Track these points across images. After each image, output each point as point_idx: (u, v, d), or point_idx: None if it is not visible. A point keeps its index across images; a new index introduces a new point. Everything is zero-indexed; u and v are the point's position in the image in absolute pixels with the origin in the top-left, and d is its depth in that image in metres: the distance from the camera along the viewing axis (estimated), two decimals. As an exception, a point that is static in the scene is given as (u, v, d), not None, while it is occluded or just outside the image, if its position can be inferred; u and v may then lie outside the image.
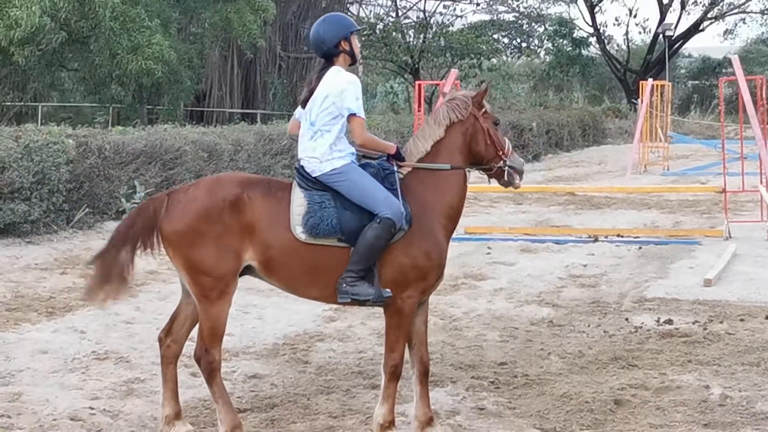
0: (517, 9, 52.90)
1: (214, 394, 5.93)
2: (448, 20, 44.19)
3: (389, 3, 44.27)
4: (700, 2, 52.40)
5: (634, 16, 59.28)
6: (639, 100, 30.60)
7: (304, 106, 6.15)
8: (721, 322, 9.22)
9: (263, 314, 9.50)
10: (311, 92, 6.10)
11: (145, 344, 8.16)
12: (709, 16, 52.53)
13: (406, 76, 43.50)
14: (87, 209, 13.95)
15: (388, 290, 5.88)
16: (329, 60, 6.14)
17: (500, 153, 6.31)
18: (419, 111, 17.69)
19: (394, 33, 41.38)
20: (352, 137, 6.09)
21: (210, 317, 5.86)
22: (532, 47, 55.75)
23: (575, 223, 16.44)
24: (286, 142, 18.45)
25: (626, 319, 9.41)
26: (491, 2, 50.13)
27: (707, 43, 57.20)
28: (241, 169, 16.80)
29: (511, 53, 56.99)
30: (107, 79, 24.54)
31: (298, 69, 38.26)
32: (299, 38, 38.46)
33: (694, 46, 59.42)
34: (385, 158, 6.13)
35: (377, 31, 40.73)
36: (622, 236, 14.65)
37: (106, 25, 22.49)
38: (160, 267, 11.47)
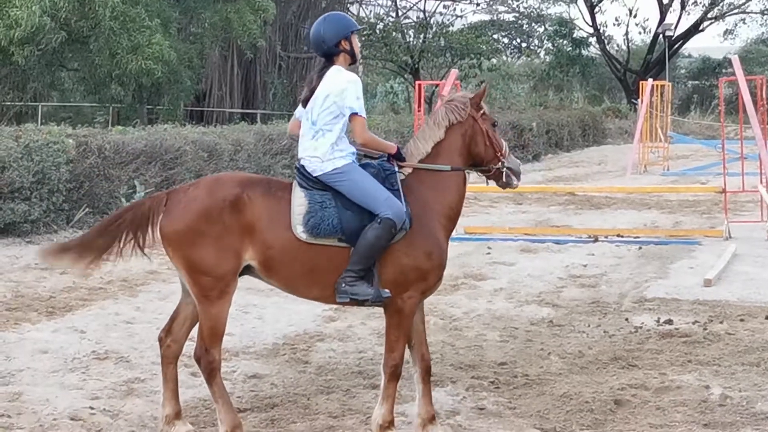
0: (517, 9, 52.94)
1: (214, 393, 5.93)
2: (448, 20, 44.21)
3: (389, 3, 44.32)
4: (700, 2, 52.46)
5: (634, 16, 59.29)
6: (639, 100, 30.60)
7: (304, 106, 6.15)
8: (721, 322, 9.22)
9: (263, 314, 9.50)
10: (312, 92, 6.10)
11: (146, 344, 8.16)
12: (709, 16, 52.56)
13: (406, 76, 43.50)
14: (87, 209, 13.96)
15: (387, 290, 5.88)
16: (329, 59, 6.14)
17: (498, 154, 6.33)
18: (419, 111, 17.69)
19: (394, 33, 41.37)
20: (354, 136, 6.09)
21: (210, 317, 5.86)
22: (532, 47, 55.77)
23: (575, 223, 16.44)
24: (286, 142, 18.45)
25: (626, 319, 9.41)
26: (491, 2, 50.16)
27: (707, 43, 57.24)
28: (241, 169, 16.80)
29: (511, 53, 57.01)
30: (107, 79, 24.54)
31: (298, 69, 38.26)
32: (299, 38, 38.46)
33: (694, 46, 59.53)
34: (385, 158, 6.14)
35: (377, 31, 40.73)
36: (622, 236, 14.65)
37: (106, 25, 22.49)
38: (160, 267, 11.48)
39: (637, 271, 12.06)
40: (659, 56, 50.34)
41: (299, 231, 5.85)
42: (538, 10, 53.29)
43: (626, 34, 61.04)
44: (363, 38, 37.86)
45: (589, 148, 35.49)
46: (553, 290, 10.90)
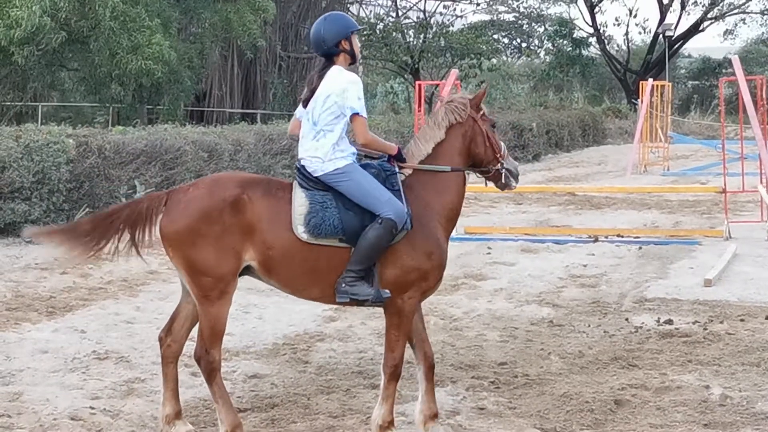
0: (517, 9, 52.95)
1: (215, 393, 5.93)
2: (448, 20, 44.24)
3: (389, 3, 44.32)
4: (700, 2, 52.48)
5: (634, 17, 59.39)
6: (639, 100, 30.60)
7: (305, 106, 6.15)
8: (721, 322, 9.22)
9: (263, 314, 9.50)
10: (313, 92, 6.10)
11: (146, 344, 8.16)
12: (709, 16, 52.58)
13: (406, 76, 43.50)
14: (87, 209, 13.95)
15: (387, 291, 5.88)
16: (329, 59, 6.14)
17: (498, 155, 6.35)
18: (419, 111, 17.68)
19: (394, 33, 41.38)
20: (355, 137, 6.08)
21: (210, 317, 5.86)
22: (532, 47, 55.75)
23: (575, 223, 16.44)
24: (286, 142, 18.45)
25: (626, 319, 9.41)
26: (491, 2, 50.17)
27: (707, 44, 57.25)
28: (241, 169, 16.79)
29: (511, 53, 57.01)
30: (107, 79, 24.52)
31: (298, 69, 38.26)
32: (299, 38, 38.46)
33: (694, 47, 59.54)
34: (385, 159, 6.14)
35: (377, 31, 40.74)
36: (622, 236, 14.65)
37: (106, 25, 22.48)
38: (160, 267, 11.49)
39: (637, 271, 12.06)
40: (659, 56, 50.34)
41: (300, 231, 5.85)
42: (538, 10, 53.32)
43: (626, 34, 61.18)
44: (363, 38, 37.87)
45: (589, 148, 35.49)
46: (553, 290, 10.90)
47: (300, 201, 5.91)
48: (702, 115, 46.96)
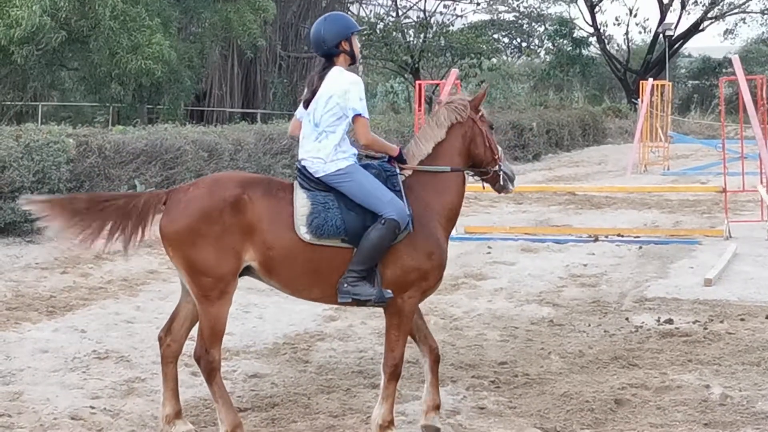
0: (517, 9, 52.90)
1: (215, 393, 5.93)
2: (449, 20, 44.24)
3: (389, 3, 44.30)
4: (701, 2, 52.47)
5: (635, 16, 59.41)
6: (639, 99, 30.60)
7: (306, 107, 6.15)
8: (721, 322, 9.22)
9: (264, 313, 9.50)
10: (313, 93, 6.10)
11: (146, 343, 8.16)
12: (709, 15, 52.56)
13: (406, 75, 43.50)
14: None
15: (389, 291, 5.89)
16: (329, 59, 6.14)
17: (496, 157, 6.37)
18: (419, 111, 17.68)
19: (394, 33, 41.38)
20: (357, 137, 6.08)
21: (210, 317, 5.86)
22: (532, 47, 55.72)
23: (575, 223, 16.44)
24: (286, 141, 18.44)
25: (626, 319, 9.41)
26: (491, 2, 50.14)
27: (707, 43, 57.24)
28: (242, 169, 16.79)
29: (511, 53, 56.97)
30: (107, 79, 24.53)
31: (298, 69, 38.26)
32: (299, 38, 38.46)
33: (695, 46, 59.53)
34: (385, 159, 6.14)
35: (377, 31, 40.73)
36: (622, 236, 14.65)
37: (106, 25, 22.49)
38: (160, 266, 11.49)
39: (637, 270, 12.06)
40: (659, 56, 50.33)
41: (303, 232, 5.84)
42: (538, 10, 53.28)
43: (626, 33, 61.14)
44: (363, 38, 37.87)
45: (590, 147, 35.48)
46: (553, 290, 10.90)
47: (302, 201, 5.91)
48: (702, 115, 46.95)
